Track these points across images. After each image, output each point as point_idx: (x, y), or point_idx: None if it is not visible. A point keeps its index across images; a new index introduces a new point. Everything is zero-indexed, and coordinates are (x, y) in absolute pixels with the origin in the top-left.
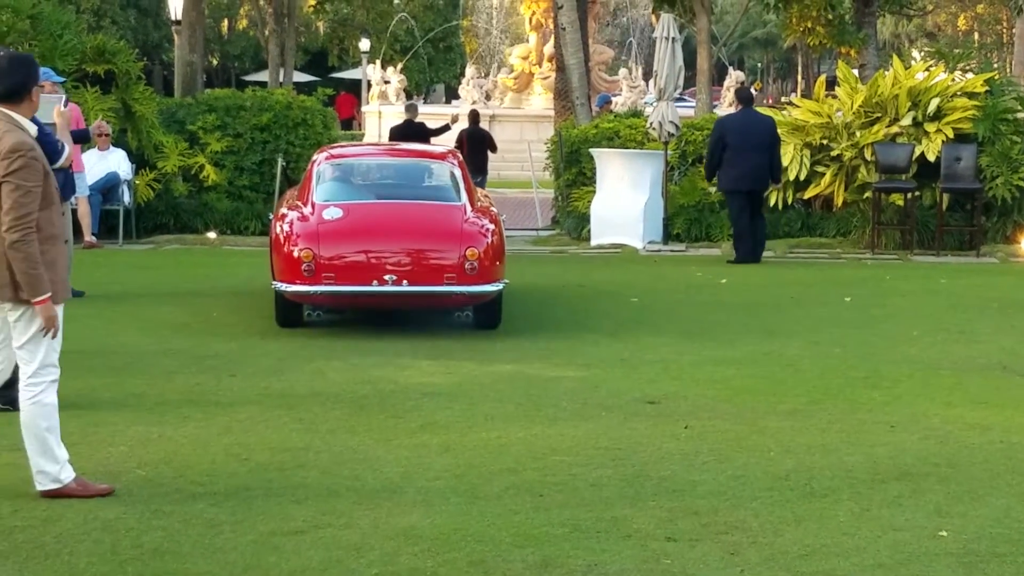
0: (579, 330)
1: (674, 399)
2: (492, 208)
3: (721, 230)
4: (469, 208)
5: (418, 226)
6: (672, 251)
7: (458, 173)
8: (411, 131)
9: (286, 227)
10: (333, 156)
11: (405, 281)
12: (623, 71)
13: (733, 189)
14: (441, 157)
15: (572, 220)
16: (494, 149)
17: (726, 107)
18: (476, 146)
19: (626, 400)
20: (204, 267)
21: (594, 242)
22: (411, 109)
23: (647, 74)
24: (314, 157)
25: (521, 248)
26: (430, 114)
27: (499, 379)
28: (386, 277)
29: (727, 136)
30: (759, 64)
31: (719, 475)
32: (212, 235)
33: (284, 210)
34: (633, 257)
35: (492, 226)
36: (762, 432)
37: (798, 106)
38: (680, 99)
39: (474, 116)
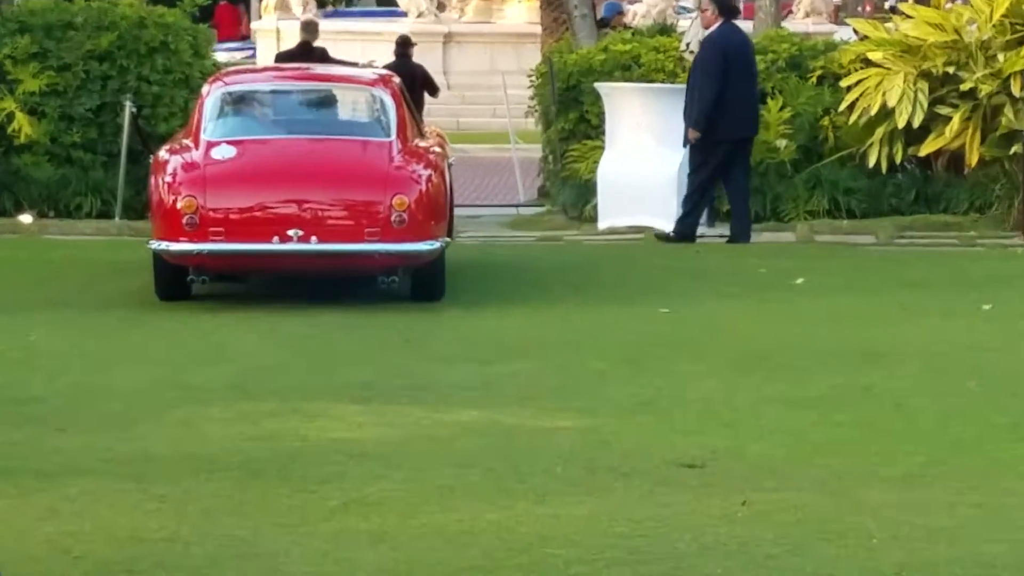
0: (580, 356)
1: (725, 460)
2: (435, 148)
3: (795, 204)
4: (400, 146)
5: (332, 168)
6: (721, 236)
7: (389, 103)
8: (308, 60)
9: (166, 173)
10: (228, 83)
11: (314, 237)
12: None
13: (728, 138)
14: (369, 83)
15: (569, 191)
16: (433, 91)
17: (801, 18)
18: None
19: (652, 463)
20: (16, 268)
21: (603, 224)
22: (309, 28)
23: None
24: (204, 87)
25: (494, 235)
26: (358, 34)
27: (460, 431)
28: (290, 232)
29: (730, 63)
30: None
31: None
32: (26, 218)
33: (164, 153)
34: (662, 247)
35: (428, 170)
36: (858, 509)
37: (909, 16)
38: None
39: (402, 43)
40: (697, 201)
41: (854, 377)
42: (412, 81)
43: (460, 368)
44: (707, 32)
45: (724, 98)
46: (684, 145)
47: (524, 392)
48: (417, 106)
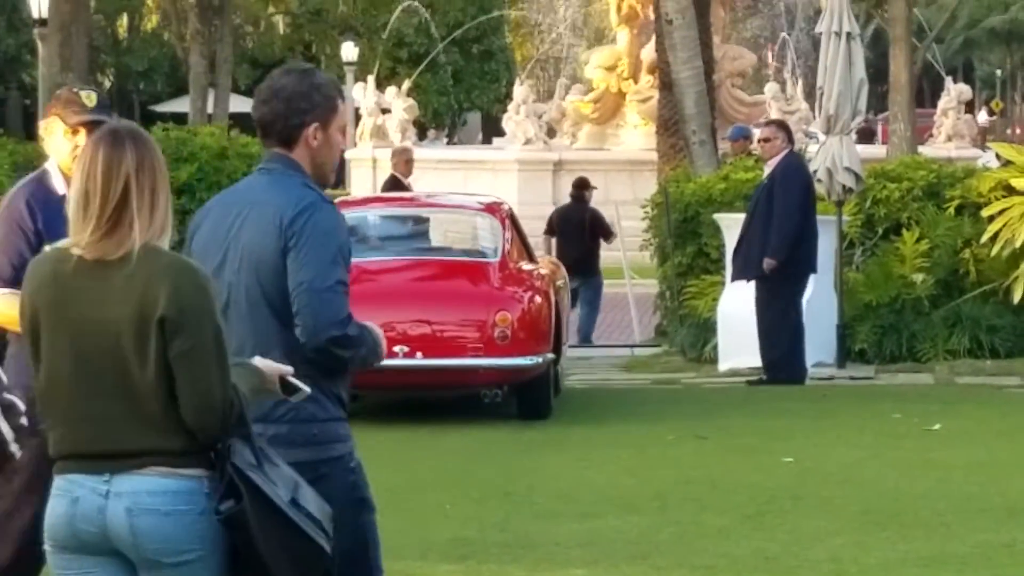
0: (696, 509)
1: None
2: (541, 271)
3: (934, 343)
4: (504, 267)
5: (437, 286)
6: (852, 379)
7: (498, 227)
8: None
9: None
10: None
11: (419, 353)
12: (771, 87)
13: (812, 271)
14: (475, 208)
15: (688, 330)
16: (607, 237)
17: (943, 142)
18: (574, 234)
19: None
20: None
21: (723, 365)
22: (401, 155)
23: (809, 92)
24: None
25: (606, 377)
26: (459, 162)
27: None
28: (395, 348)
29: (810, 194)
30: (998, 72)
31: None
32: None
33: None
34: (788, 391)
35: (531, 291)
36: None
37: None
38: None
39: (576, 186)
40: (796, 339)
41: (997, 533)
42: (581, 226)
43: (565, 523)
44: (779, 160)
45: (807, 230)
46: (747, 279)
47: (634, 549)
48: (589, 250)
